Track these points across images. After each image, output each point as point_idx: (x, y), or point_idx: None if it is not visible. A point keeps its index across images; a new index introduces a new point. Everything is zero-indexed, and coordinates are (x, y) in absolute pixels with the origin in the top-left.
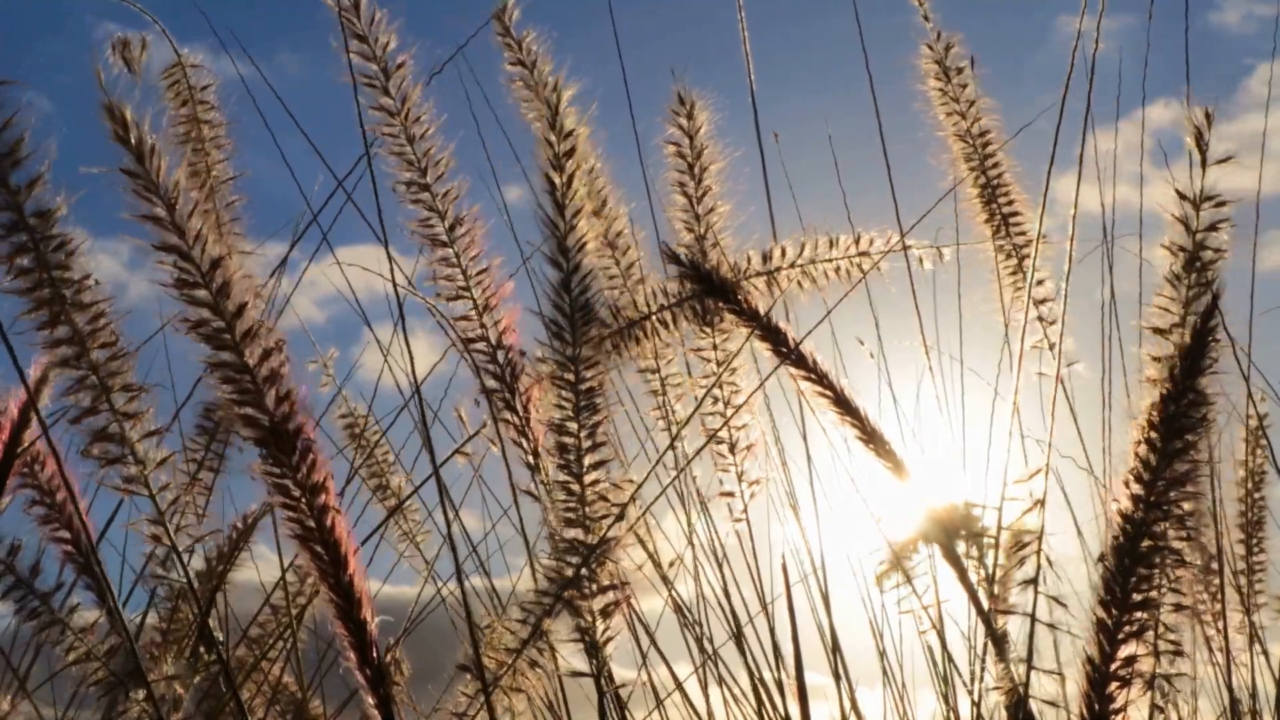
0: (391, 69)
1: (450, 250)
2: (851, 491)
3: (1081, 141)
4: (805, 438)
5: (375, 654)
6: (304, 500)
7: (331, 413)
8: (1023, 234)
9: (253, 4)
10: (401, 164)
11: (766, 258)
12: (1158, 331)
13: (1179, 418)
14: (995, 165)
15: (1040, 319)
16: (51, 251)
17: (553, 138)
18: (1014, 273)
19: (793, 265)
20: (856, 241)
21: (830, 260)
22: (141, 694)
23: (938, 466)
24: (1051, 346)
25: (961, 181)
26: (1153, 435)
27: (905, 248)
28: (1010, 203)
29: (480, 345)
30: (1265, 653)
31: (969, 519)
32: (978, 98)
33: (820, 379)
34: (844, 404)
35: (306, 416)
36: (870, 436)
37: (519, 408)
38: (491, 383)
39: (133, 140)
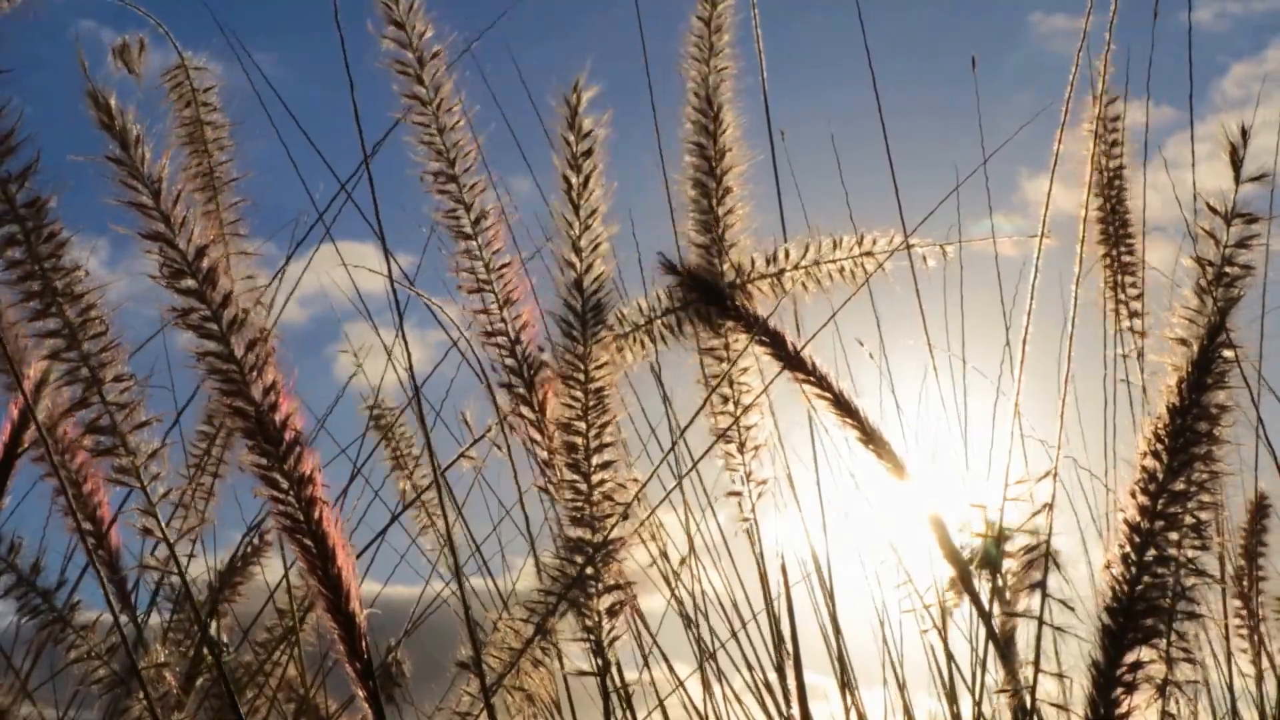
0: (427, 58)
1: (474, 243)
2: (855, 491)
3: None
4: (813, 437)
5: (365, 646)
6: (292, 492)
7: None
8: (1132, 253)
9: (229, 3)
10: (431, 154)
11: (770, 260)
12: (1182, 343)
13: (1185, 431)
14: (1121, 200)
15: (1133, 330)
16: (42, 243)
17: (571, 137)
18: (1115, 286)
19: (797, 267)
20: (860, 241)
21: (834, 261)
22: (143, 693)
23: (940, 467)
24: (1140, 355)
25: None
26: (1159, 447)
27: (909, 247)
28: (1126, 225)
29: (499, 339)
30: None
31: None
32: (1122, 141)
33: (820, 381)
34: (844, 405)
35: (294, 406)
36: (870, 437)
37: (535, 403)
38: (508, 377)
39: (117, 127)
